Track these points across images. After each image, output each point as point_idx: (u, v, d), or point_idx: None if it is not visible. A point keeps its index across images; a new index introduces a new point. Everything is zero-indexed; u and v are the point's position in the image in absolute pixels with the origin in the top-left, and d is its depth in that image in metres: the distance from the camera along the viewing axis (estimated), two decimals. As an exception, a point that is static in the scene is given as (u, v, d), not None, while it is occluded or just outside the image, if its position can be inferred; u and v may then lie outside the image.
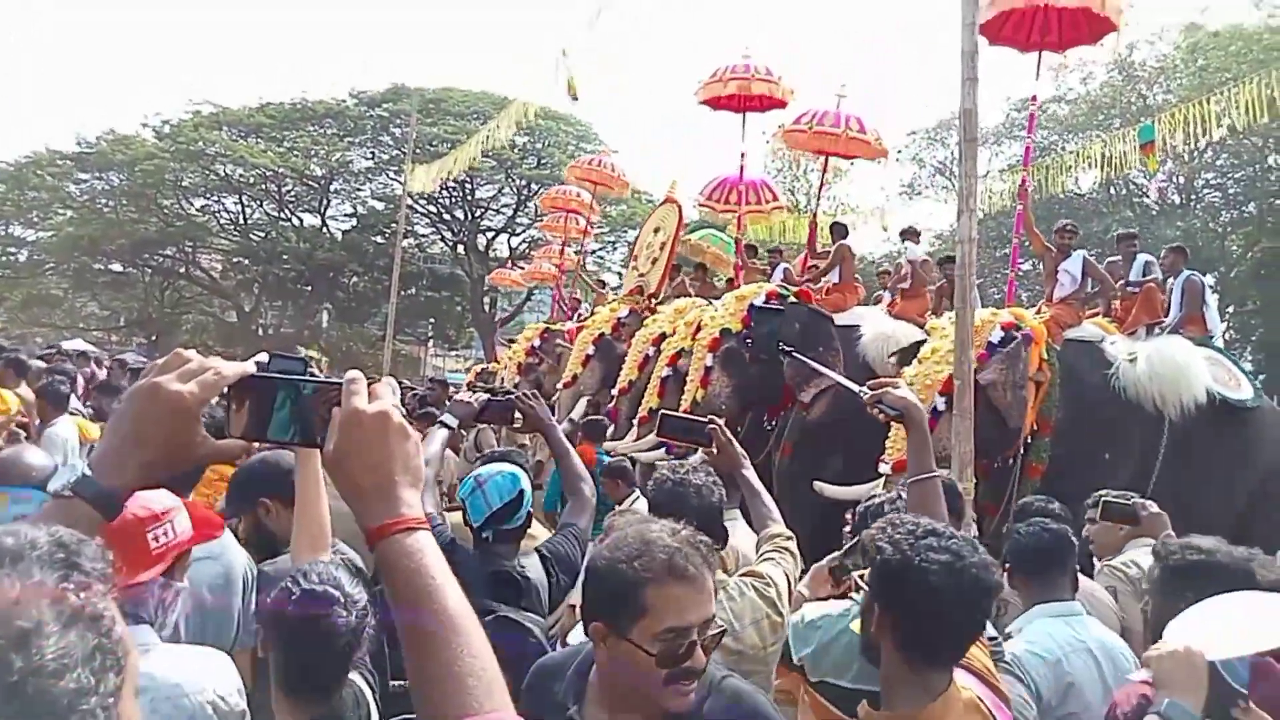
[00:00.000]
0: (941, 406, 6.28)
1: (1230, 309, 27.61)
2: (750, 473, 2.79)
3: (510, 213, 34.55)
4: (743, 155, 10.99)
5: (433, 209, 34.21)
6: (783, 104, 10.34)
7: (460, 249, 35.06)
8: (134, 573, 1.78)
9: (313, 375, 1.08)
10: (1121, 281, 8.13)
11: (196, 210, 34.19)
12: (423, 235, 35.19)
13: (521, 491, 2.76)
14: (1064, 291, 7.60)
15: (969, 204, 5.36)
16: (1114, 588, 3.29)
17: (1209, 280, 8.10)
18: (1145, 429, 6.53)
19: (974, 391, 5.39)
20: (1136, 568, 3.22)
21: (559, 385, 10.30)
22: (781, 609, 2.35)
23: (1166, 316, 7.88)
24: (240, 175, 32.74)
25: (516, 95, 15.38)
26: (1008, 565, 2.75)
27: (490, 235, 35.43)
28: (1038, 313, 7.46)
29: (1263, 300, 24.53)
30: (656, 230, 11.41)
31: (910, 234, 9.87)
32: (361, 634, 1.84)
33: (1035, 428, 6.52)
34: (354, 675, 1.92)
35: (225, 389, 1.01)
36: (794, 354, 3.13)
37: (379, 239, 33.70)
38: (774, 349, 2.81)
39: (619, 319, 10.28)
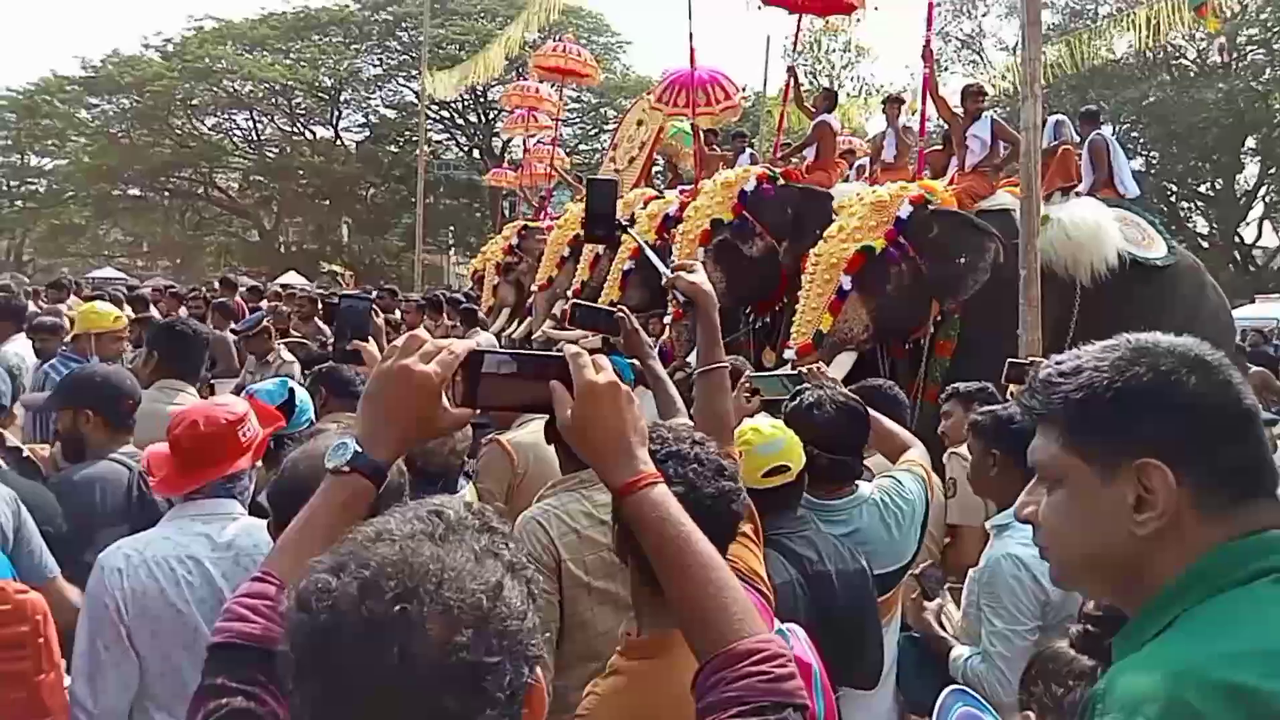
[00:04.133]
0: (847, 286, 6.09)
1: (1274, 171, 26.24)
2: (656, 363, 2.63)
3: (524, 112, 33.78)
4: (692, 45, 9.61)
5: (446, 114, 33.58)
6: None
7: (476, 154, 34.48)
8: (233, 462, 2.18)
9: (527, 350, 1.21)
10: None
11: (209, 130, 34.00)
12: (437, 142, 34.62)
13: (291, 391, 2.93)
14: (974, 159, 7.02)
15: (1034, 89, 5.05)
16: (955, 479, 3.05)
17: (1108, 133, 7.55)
18: (1058, 296, 6.20)
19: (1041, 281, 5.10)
20: None
21: (534, 287, 10.02)
22: None
23: (1080, 181, 7.38)
24: (249, 91, 32.37)
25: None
26: None
27: (506, 138, 34.75)
28: (950, 183, 7.01)
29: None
30: (639, 124, 10.85)
31: (892, 101, 9.28)
32: None
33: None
34: None
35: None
36: (629, 231, 2.83)
37: (393, 148, 33.32)
38: (613, 228, 2.52)
39: (594, 218, 9.84)
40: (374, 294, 9.25)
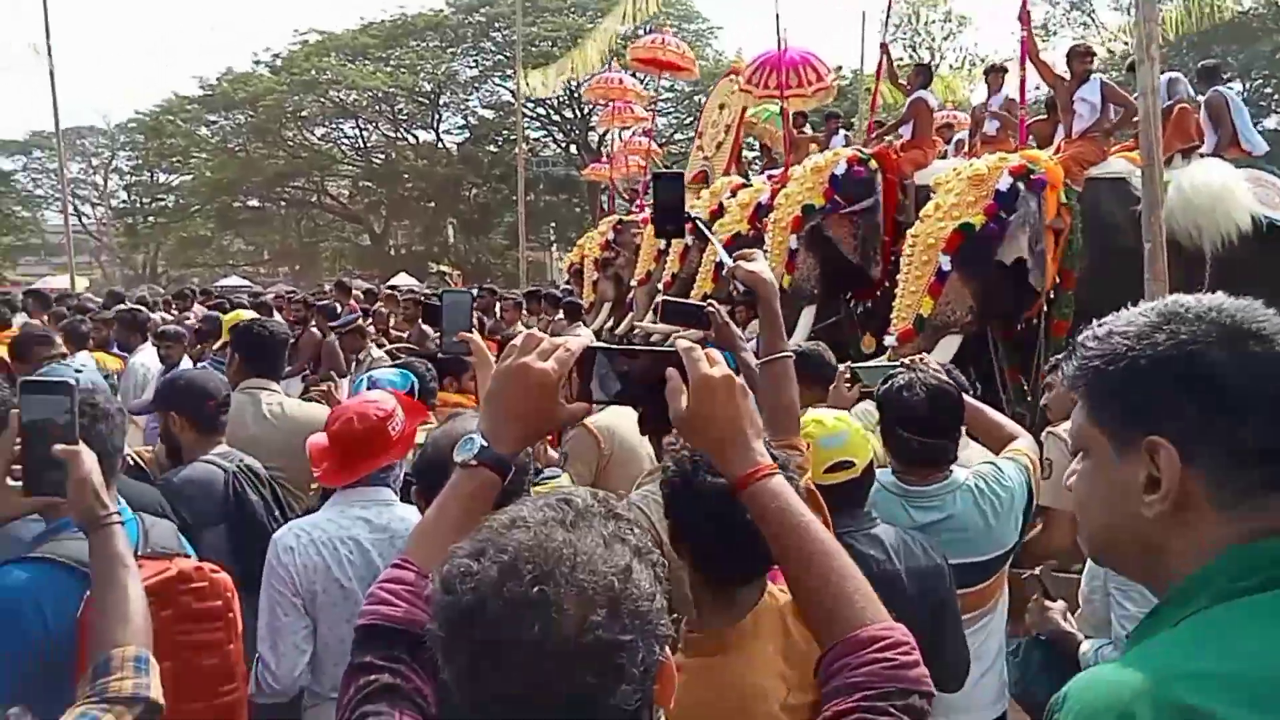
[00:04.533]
0: (947, 267, 5.80)
1: None
2: (749, 355, 2.62)
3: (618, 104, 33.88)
4: (779, 25, 9.64)
5: (541, 111, 34.00)
6: None
7: (573, 149, 34.83)
8: (385, 456, 2.37)
9: (636, 346, 1.30)
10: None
11: (318, 140, 35.48)
12: (535, 139, 35.13)
13: (412, 384, 3.12)
14: (1083, 124, 6.59)
15: (1150, 51, 4.78)
16: (1050, 460, 2.92)
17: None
18: (1185, 268, 5.56)
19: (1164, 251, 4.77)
20: None
21: (633, 281, 10.04)
22: None
23: (1202, 142, 6.81)
24: (354, 99, 33.60)
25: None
26: None
27: (601, 131, 34.97)
28: (1056, 152, 6.60)
29: None
30: (721, 107, 10.71)
31: (995, 71, 8.89)
32: None
33: (1057, 281, 5.94)
34: None
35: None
36: (699, 222, 2.79)
37: (493, 148, 34.00)
38: (681, 221, 2.51)
39: (689, 210, 9.81)
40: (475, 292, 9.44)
